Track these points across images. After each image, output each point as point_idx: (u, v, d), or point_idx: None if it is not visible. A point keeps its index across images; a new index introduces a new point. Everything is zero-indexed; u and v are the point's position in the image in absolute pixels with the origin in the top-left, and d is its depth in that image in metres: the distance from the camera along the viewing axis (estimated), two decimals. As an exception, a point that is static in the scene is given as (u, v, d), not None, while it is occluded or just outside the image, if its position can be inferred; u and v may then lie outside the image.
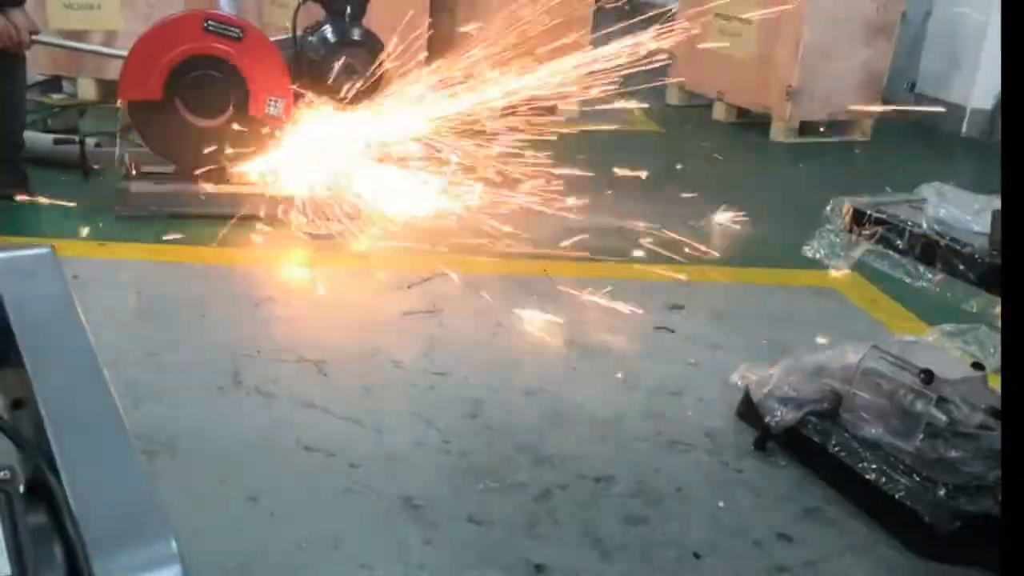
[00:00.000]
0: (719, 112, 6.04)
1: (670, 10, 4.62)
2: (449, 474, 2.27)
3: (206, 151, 3.67)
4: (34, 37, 3.48)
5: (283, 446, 2.29)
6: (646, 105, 5.22)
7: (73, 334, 0.83)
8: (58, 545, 0.70)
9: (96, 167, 3.94)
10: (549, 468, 2.31)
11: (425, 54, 4.40)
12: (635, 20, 4.10)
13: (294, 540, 1.98)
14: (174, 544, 0.68)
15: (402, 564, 1.96)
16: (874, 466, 2.22)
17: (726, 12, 5.67)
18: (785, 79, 5.58)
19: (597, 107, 4.17)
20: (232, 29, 3.64)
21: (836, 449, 2.30)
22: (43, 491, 0.72)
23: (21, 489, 0.72)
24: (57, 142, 4.00)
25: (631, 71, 3.91)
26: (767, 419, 2.41)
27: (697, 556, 2.03)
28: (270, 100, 3.69)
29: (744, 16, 5.64)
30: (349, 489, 2.17)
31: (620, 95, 4.14)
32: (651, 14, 4.13)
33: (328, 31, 3.84)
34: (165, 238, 3.47)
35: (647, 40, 3.94)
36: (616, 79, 3.96)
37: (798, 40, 5.48)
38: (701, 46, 5.16)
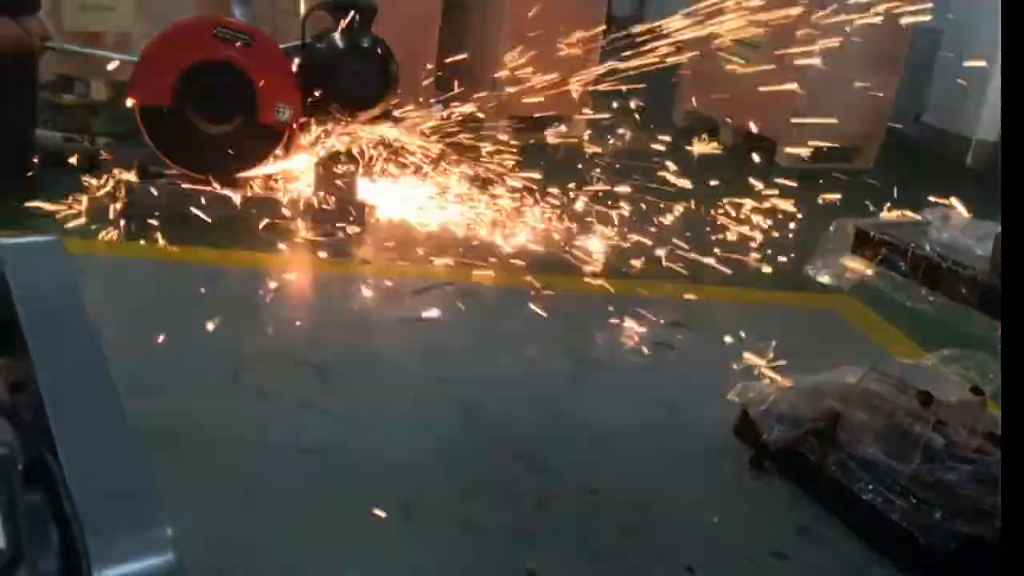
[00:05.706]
0: (724, 135, 6.05)
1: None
2: (445, 480, 2.27)
3: (214, 156, 3.69)
4: (47, 44, 3.51)
5: (281, 446, 2.30)
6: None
7: (77, 322, 0.83)
8: (54, 526, 0.70)
9: (106, 166, 3.96)
10: (545, 477, 2.31)
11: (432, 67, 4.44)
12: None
13: (289, 540, 1.98)
14: (168, 530, 0.68)
15: (396, 568, 1.96)
16: (870, 487, 2.21)
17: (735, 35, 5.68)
18: (792, 104, 5.59)
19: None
20: (241, 36, 3.66)
21: (832, 468, 2.29)
22: (41, 472, 0.72)
23: (19, 467, 0.72)
24: (67, 140, 4.02)
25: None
26: (764, 436, 2.41)
27: (690, 570, 2.02)
28: (279, 106, 3.70)
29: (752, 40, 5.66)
30: (345, 491, 2.17)
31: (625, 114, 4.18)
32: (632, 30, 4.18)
33: (337, 39, 3.86)
34: (171, 238, 3.48)
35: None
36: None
37: (805, 66, 5.50)
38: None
